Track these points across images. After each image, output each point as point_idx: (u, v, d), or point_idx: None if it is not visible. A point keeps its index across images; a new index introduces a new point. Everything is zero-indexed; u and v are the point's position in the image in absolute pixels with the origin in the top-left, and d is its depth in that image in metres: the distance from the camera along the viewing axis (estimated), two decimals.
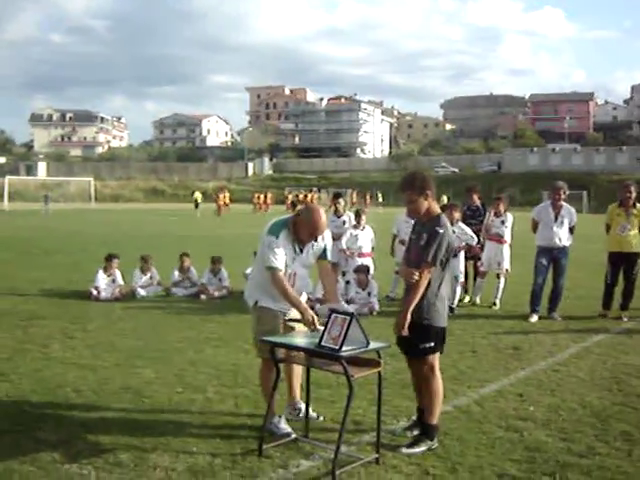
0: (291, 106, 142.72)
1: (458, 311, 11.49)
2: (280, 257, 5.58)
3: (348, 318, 4.90)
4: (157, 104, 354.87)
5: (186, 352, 8.64)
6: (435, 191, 5.63)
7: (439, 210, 5.64)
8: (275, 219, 5.88)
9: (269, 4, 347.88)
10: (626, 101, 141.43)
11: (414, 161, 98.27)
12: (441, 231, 5.36)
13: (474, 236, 11.74)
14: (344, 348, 4.83)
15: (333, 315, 5.01)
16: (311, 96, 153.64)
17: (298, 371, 6.06)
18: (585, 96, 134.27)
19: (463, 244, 11.69)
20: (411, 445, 5.42)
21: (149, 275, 13.25)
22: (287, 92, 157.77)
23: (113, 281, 12.93)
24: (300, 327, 5.72)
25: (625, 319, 10.97)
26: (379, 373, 5.21)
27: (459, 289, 11.79)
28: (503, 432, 5.82)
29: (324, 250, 5.89)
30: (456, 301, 11.65)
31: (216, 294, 12.89)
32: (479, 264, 12.57)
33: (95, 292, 12.52)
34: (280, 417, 5.80)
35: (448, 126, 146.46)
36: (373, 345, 5.09)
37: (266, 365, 5.74)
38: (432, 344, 5.49)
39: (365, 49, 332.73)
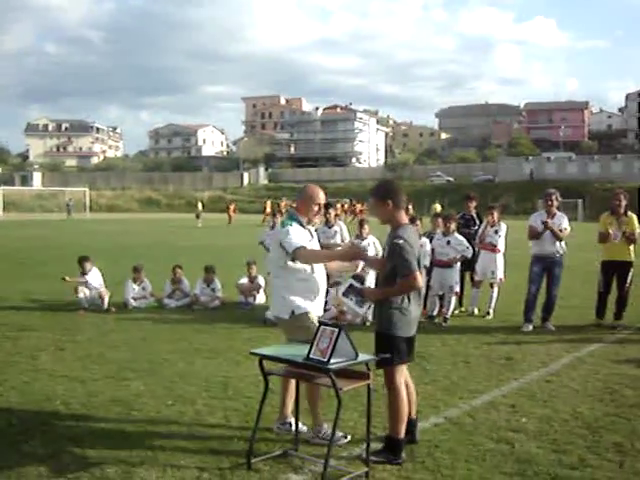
0: (287, 116, 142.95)
1: (451, 322, 11.46)
2: (299, 237, 5.63)
3: (337, 330, 4.86)
4: (153, 114, 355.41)
5: (176, 364, 8.58)
6: (403, 201, 5.57)
7: (404, 221, 5.55)
8: (281, 219, 6.11)
9: (264, 15, 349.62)
10: (621, 109, 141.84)
11: (409, 170, 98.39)
12: (399, 242, 5.29)
13: (470, 247, 11.70)
14: (332, 360, 4.78)
15: (322, 327, 4.96)
16: (306, 106, 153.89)
17: (292, 388, 5.93)
18: (580, 105, 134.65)
19: (459, 255, 11.66)
20: (375, 452, 5.33)
21: (141, 286, 13.20)
22: (283, 102, 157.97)
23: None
24: None
25: (619, 328, 10.94)
26: (368, 386, 5.16)
27: (454, 299, 11.74)
28: (494, 444, 5.76)
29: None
30: (450, 312, 11.61)
31: (209, 305, 12.86)
32: (474, 274, 12.53)
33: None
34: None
35: (443, 135, 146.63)
36: (362, 357, 5.04)
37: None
38: (388, 355, 5.37)
39: (359, 59, 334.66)
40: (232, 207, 57.06)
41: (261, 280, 13.44)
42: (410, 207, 12.89)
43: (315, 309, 5.82)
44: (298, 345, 5.39)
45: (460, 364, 8.61)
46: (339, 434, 5.72)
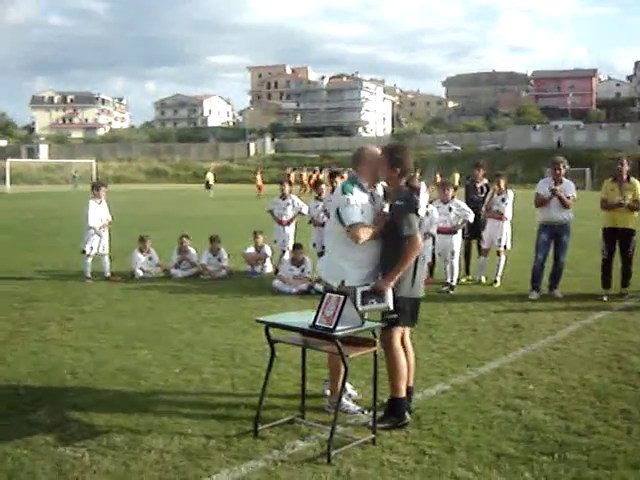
0: (292, 85, 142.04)
1: (458, 290, 11.44)
2: (358, 209, 5.38)
3: (342, 297, 4.83)
4: (158, 85, 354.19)
5: (184, 333, 8.60)
6: (410, 169, 5.64)
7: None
8: (342, 182, 5.84)
9: None
10: (629, 77, 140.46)
11: (417, 139, 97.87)
12: (401, 204, 5.40)
13: (470, 212, 11.63)
14: (338, 327, 4.76)
15: (327, 295, 4.94)
16: (312, 75, 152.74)
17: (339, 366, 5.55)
18: (588, 72, 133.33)
19: (461, 221, 11.60)
20: (380, 420, 5.37)
21: (148, 256, 13.21)
22: (288, 71, 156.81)
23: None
24: None
25: (626, 296, 10.89)
26: (375, 353, 5.15)
27: (456, 265, 11.64)
28: (501, 411, 5.76)
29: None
30: (455, 278, 11.58)
31: (215, 274, 12.88)
32: (481, 242, 12.50)
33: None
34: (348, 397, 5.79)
35: (450, 104, 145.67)
36: (368, 324, 5.03)
37: None
38: (395, 316, 5.40)
39: (365, 28, 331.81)
40: (259, 176, 51.60)
41: (267, 250, 13.44)
42: (418, 174, 12.82)
43: (367, 281, 5.52)
44: (304, 312, 5.38)
45: (467, 332, 8.60)
46: (357, 408, 5.75)
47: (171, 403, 6.00)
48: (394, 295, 5.33)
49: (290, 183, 14.94)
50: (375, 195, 5.61)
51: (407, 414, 5.46)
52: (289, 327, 5.22)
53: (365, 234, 5.35)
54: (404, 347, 5.65)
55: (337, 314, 4.77)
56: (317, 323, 4.87)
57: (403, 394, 5.47)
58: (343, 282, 5.43)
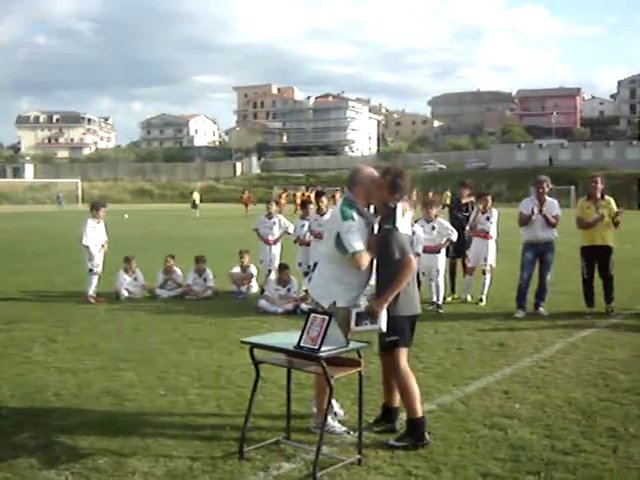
0: (278, 105, 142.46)
1: (444, 309, 11.45)
2: (360, 236, 5.42)
3: (327, 318, 4.83)
4: (145, 105, 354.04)
5: (169, 354, 8.55)
6: (406, 194, 5.72)
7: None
8: (339, 205, 5.66)
9: (254, 5, 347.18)
10: (613, 96, 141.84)
11: (402, 158, 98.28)
12: (391, 227, 5.42)
13: (454, 230, 11.66)
14: (323, 348, 4.76)
15: (312, 315, 4.94)
16: (299, 95, 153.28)
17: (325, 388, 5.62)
18: (572, 91, 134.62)
19: (444, 240, 11.62)
20: (398, 439, 5.43)
21: (133, 276, 13.16)
22: (274, 91, 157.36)
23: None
24: None
25: (612, 313, 10.93)
26: (360, 373, 5.14)
27: (442, 284, 11.63)
28: (487, 430, 5.76)
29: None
30: (441, 297, 11.59)
31: (201, 295, 12.84)
32: (467, 261, 12.54)
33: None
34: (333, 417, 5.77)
35: (436, 123, 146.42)
36: (353, 345, 5.02)
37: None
38: (396, 338, 5.44)
39: (351, 48, 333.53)
40: (246, 195, 53.38)
41: (253, 269, 13.42)
42: (414, 194, 12.88)
43: (357, 303, 5.59)
44: (290, 333, 5.36)
45: (453, 351, 8.61)
46: (342, 429, 5.72)
47: (156, 425, 5.96)
48: (393, 315, 5.36)
49: (279, 203, 14.85)
50: (368, 215, 5.64)
51: (426, 434, 5.45)
52: (274, 348, 5.20)
53: (367, 261, 5.44)
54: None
55: (322, 335, 4.76)
56: (302, 344, 4.86)
57: (419, 414, 5.47)
58: (334, 303, 5.47)
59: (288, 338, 5.20)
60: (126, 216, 45.50)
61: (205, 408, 6.41)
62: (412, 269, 5.39)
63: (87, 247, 12.44)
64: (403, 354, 5.53)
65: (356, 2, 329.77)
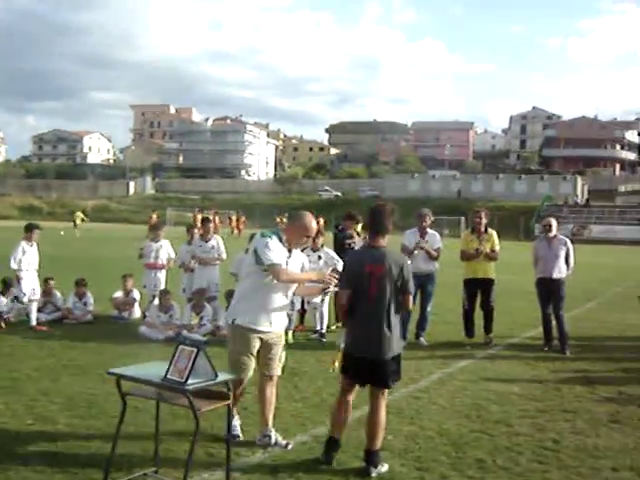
0: (176, 125, 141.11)
1: (328, 338, 11.46)
2: (278, 253, 5.75)
3: (195, 350, 4.72)
4: (38, 119, 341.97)
5: (41, 381, 8.23)
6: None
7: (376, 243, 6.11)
8: (260, 231, 6.19)
9: (155, 23, 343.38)
10: (504, 131, 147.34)
11: (298, 184, 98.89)
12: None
13: (339, 260, 11.72)
14: (190, 381, 4.64)
15: (180, 347, 4.82)
16: (197, 116, 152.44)
17: (271, 399, 6.14)
18: (465, 125, 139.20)
19: (330, 269, 11.64)
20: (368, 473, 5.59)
21: (10, 298, 12.60)
22: (172, 111, 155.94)
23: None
24: (280, 343, 6.12)
25: (491, 344, 11.19)
26: (228, 406, 5.05)
27: (326, 313, 11.67)
28: (359, 462, 5.75)
29: None
30: (324, 325, 11.62)
31: (81, 319, 12.44)
32: None
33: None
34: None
35: (333, 150, 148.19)
36: (221, 377, 4.93)
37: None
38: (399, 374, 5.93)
39: (250, 72, 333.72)
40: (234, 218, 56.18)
41: (136, 294, 13.12)
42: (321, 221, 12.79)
43: (262, 326, 5.89)
44: (159, 363, 5.22)
45: (332, 381, 8.54)
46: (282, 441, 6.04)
47: (19, 456, 5.70)
48: (400, 353, 5.87)
49: (196, 227, 14.36)
50: (292, 253, 5.99)
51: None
52: (140, 380, 5.03)
53: (286, 275, 5.76)
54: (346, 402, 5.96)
55: (189, 367, 4.65)
56: (169, 376, 4.72)
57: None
58: (234, 320, 5.82)
59: (158, 369, 5.04)
60: (62, 233, 44.04)
61: (73, 439, 6.18)
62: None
63: (16, 271, 11.82)
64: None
65: (257, 27, 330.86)
